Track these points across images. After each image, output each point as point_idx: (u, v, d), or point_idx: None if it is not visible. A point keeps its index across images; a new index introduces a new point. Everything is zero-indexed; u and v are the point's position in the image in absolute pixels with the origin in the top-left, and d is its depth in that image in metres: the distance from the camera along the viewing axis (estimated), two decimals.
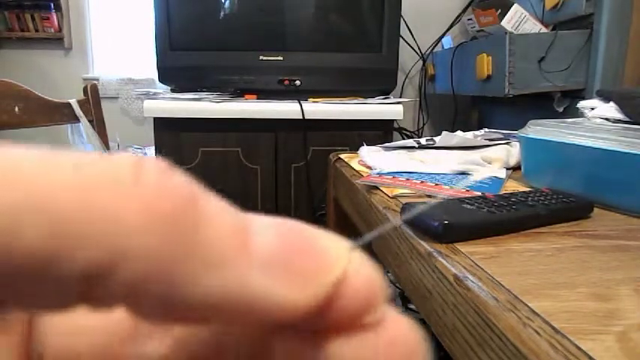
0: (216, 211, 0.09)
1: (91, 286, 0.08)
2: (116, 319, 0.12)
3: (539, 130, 0.59)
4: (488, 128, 1.01)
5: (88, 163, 0.08)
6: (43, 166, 0.08)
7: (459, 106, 1.71)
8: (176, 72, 1.44)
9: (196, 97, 1.35)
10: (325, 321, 0.10)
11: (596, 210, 0.50)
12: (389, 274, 0.56)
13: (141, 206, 0.08)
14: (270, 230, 0.10)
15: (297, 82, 1.43)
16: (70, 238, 0.08)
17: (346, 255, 0.10)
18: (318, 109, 1.35)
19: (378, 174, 0.66)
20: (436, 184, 0.59)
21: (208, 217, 0.09)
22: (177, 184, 0.09)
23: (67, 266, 0.08)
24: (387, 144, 0.85)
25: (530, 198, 0.48)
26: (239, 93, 1.43)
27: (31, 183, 0.08)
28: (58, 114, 1.11)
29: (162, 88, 1.53)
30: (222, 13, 1.49)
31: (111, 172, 0.08)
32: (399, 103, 1.40)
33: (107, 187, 0.08)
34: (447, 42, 1.76)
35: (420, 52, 1.85)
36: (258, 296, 0.09)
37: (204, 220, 0.09)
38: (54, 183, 0.08)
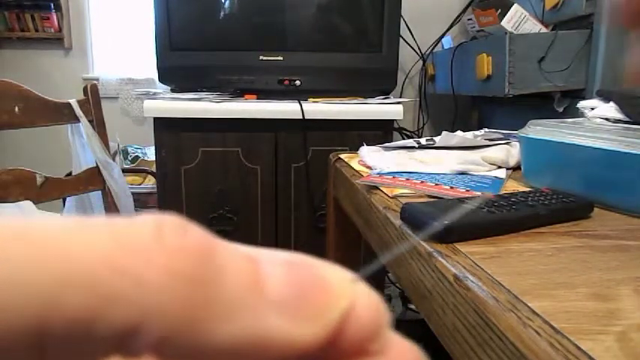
0: (232, 260, 0.10)
1: (123, 341, 0.09)
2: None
3: (539, 130, 0.59)
4: (488, 128, 1.01)
5: (115, 229, 0.10)
6: (77, 239, 0.09)
7: (459, 106, 1.71)
8: (176, 72, 1.44)
9: (196, 97, 1.35)
10: (333, 351, 0.11)
11: (596, 210, 0.50)
12: (389, 274, 0.56)
13: (163, 266, 0.09)
14: (280, 269, 0.11)
15: (297, 82, 1.42)
16: (105, 300, 0.09)
17: (351, 287, 0.11)
18: (318, 109, 1.35)
19: (378, 174, 0.66)
20: (436, 184, 0.59)
21: (225, 269, 0.10)
22: (194, 241, 0.10)
23: (102, 326, 0.09)
24: (387, 144, 0.85)
25: (530, 198, 0.48)
26: (239, 93, 1.42)
27: (69, 255, 0.09)
28: (58, 114, 1.11)
29: (162, 88, 1.53)
30: (222, 13, 1.49)
31: (135, 237, 0.10)
32: (399, 103, 1.40)
33: (133, 251, 0.09)
34: (447, 42, 1.76)
35: (420, 52, 1.85)
36: (274, 337, 0.10)
37: (222, 272, 0.10)
38: (89, 253, 0.09)
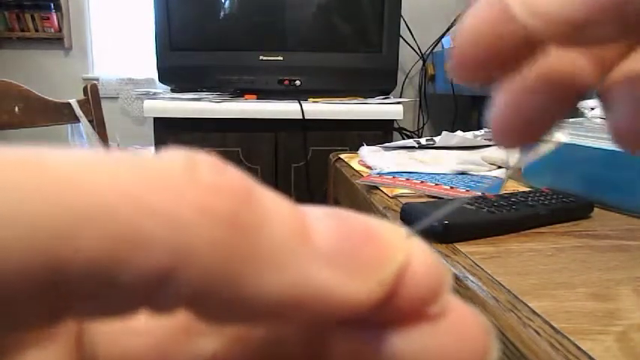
0: (274, 205, 0.09)
1: (152, 291, 0.08)
2: (170, 315, 0.12)
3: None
4: (489, 128, 1.01)
5: (140, 163, 0.08)
6: (97, 170, 0.08)
7: (458, 106, 1.71)
8: (176, 72, 1.44)
9: (196, 97, 1.35)
10: (388, 313, 0.10)
11: (596, 210, 0.50)
12: None
13: (197, 205, 0.08)
14: (327, 221, 0.10)
15: (297, 82, 1.43)
16: (129, 242, 0.08)
17: (406, 242, 0.10)
18: (318, 109, 1.35)
19: (378, 174, 0.66)
20: (436, 184, 0.59)
21: (267, 214, 0.09)
22: (233, 180, 0.09)
23: (127, 271, 0.08)
24: (387, 144, 0.85)
25: (530, 198, 0.48)
26: (239, 93, 1.43)
27: (88, 188, 0.08)
28: (58, 114, 1.11)
29: (162, 88, 1.53)
30: (222, 13, 1.49)
31: (164, 172, 0.08)
32: (399, 103, 1.40)
33: (161, 187, 0.08)
34: (447, 42, 1.76)
35: (420, 52, 1.85)
36: (322, 291, 0.09)
37: (264, 216, 0.09)
38: (109, 187, 0.08)
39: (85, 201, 0.07)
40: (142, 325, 0.12)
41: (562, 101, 0.14)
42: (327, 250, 0.09)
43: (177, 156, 0.09)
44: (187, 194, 0.08)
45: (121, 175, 0.08)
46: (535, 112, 0.14)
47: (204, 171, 0.08)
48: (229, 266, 0.08)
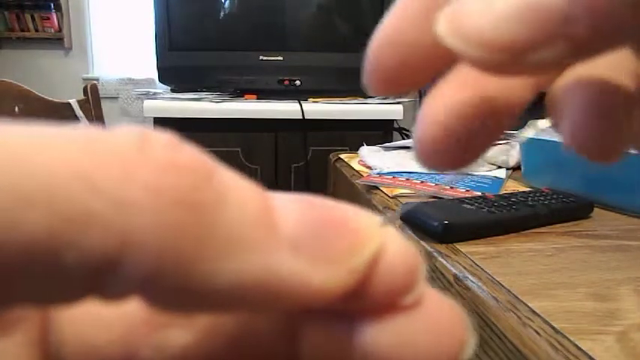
0: (235, 187, 0.08)
1: (101, 275, 0.07)
2: (136, 308, 0.11)
3: (539, 130, 0.59)
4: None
5: (90, 139, 0.08)
6: (44, 145, 0.07)
7: None
8: (176, 72, 1.44)
9: (196, 97, 1.35)
10: (360, 303, 0.09)
11: (596, 210, 0.50)
12: None
13: (148, 184, 0.07)
14: (294, 206, 0.09)
15: (297, 82, 1.43)
16: (75, 222, 0.07)
17: (379, 231, 0.10)
18: (318, 109, 1.35)
19: (378, 174, 0.66)
20: (436, 184, 0.59)
21: (226, 195, 0.08)
22: (188, 158, 0.08)
23: (73, 253, 0.07)
24: (387, 144, 0.85)
25: (530, 198, 0.48)
26: (239, 93, 1.43)
27: (33, 164, 0.07)
28: (58, 114, 1.11)
29: (162, 88, 1.53)
30: (222, 13, 1.49)
31: (115, 149, 0.08)
32: (398, 103, 1.40)
33: (111, 165, 0.07)
34: None
35: None
36: (287, 280, 0.08)
37: (222, 198, 0.08)
38: (56, 163, 0.07)
39: (29, 178, 0.07)
40: (108, 318, 0.11)
41: (493, 124, 0.12)
42: (292, 236, 0.09)
43: (129, 133, 0.08)
44: (138, 173, 0.07)
45: (70, 151, 0.07)
46: (464, 136, 0.12)
47: (158, 149, 0.08)
48: (182, 250, 0.08)
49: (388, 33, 0.12)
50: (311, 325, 0.10)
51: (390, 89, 0.12)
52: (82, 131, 0.08)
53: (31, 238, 0.07)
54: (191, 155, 0.08)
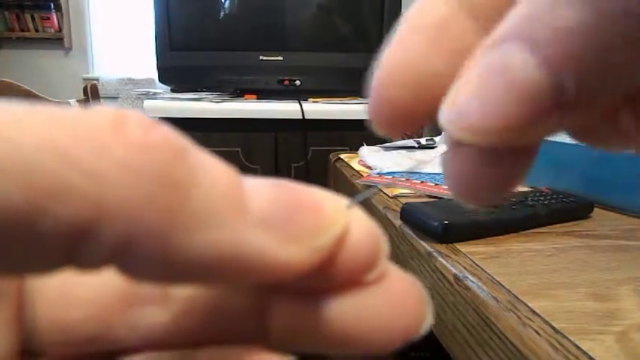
0: (209, 166, 0.09)
1: (75, 244, 0.08)
2: (110, 287, 0.12)
3: None
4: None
5: (68, 117, 0.08)
6: (22, 121, 0.08)
7: None
8: (176, 72, 1.44)
9: (196, 97, 1.35)
10: (326, 279, 0.10)
11: (596, 210, 0.50)
12: None
13: (120, 162, 0.08)
14: (264, 187, 0.10)
15: (297, 82, 1.43)
16: (49, 191, 0.07)
17: (345, 211, 0.10)
18: (318, 109, 1.35)
19: (378, 174, 0.66)
20: (436, 184, 0.59)
21: (200, 173, 0.09)
22: (162, 138, 0.08)
23: (48, 223, 0.07)
24: (387, 144, 0.85)
25: (530, 198, 0.48)
26: (239, 93, 1.43)
27: (9, 137, 0.07)
28: None
29: (162, 88, 1.53)
30: (222, 13, 1.49)
31: (91, 127, 0.08)
32: None
33: (87, 141, 0.08)
34: None
35: None
36: (255, 255, 0.09)
37: (195, 175, 0.09)
38: (33, 137, 0.07)
39: (5, 151, 0.07)
40: (83, 296, 0.12)
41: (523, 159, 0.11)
42: (261, 214, 0.09)
43: (106, 112, 0.08)
44: (113, 151, 0.08)
45: (47, 127, 0.08)
46: (493, 178, 0.11)
47: (133, 128, 0.08)
48: (154, 222, 0.08)
49: (393, 66, 0.12)
50: (280, 301, 0.11)
51: (403, 126, 0.12)
52: (60, 110, 0.08)
53: (8, 206, 0.07)
54: (165, 134, 0.09)
